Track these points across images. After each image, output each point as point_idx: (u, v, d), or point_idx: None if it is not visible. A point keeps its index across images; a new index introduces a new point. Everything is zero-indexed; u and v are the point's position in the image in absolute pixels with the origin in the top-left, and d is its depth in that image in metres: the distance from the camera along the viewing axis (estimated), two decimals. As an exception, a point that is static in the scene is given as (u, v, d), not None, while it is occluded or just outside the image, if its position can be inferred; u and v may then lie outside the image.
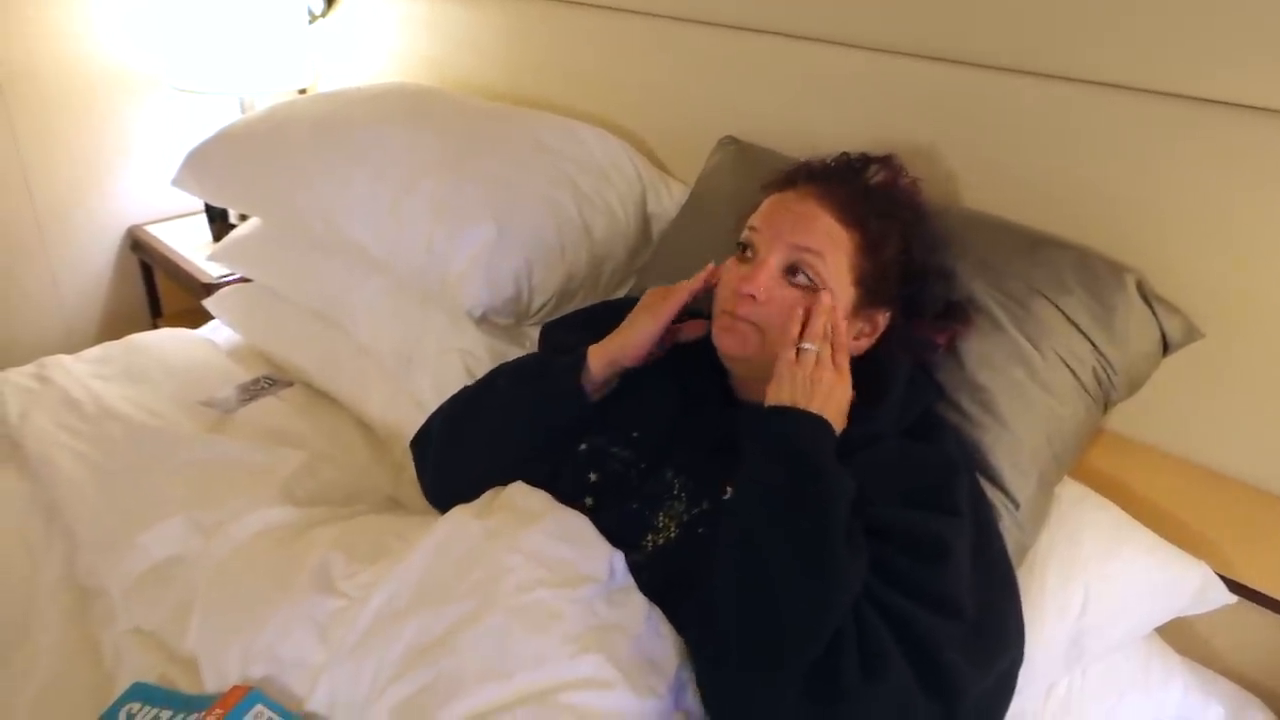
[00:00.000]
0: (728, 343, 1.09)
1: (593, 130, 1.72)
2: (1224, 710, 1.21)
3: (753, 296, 1.06)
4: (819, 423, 0.97)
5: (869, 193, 1.13)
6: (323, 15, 2.42)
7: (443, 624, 0.94)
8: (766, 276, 1.06)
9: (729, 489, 1.04)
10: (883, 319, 1.12)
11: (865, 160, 1.18)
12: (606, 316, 1.30)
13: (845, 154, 1.19)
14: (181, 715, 0.94)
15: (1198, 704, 1.21)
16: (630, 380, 1.22)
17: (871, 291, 1.09)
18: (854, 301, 1.08)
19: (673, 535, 1.05)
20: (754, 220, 1.12)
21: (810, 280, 1.06)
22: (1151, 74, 1.17)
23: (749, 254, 1.10)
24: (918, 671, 0.90)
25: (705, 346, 1.17)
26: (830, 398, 0.99)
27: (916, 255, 1.14)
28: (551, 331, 1.33)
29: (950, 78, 1.35)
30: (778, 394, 0.99)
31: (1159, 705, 1.19)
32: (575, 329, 1.30)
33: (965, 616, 0.94)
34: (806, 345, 1.01)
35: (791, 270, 1.07)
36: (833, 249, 1.06)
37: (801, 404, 0.97)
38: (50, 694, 1.05)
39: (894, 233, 1.10)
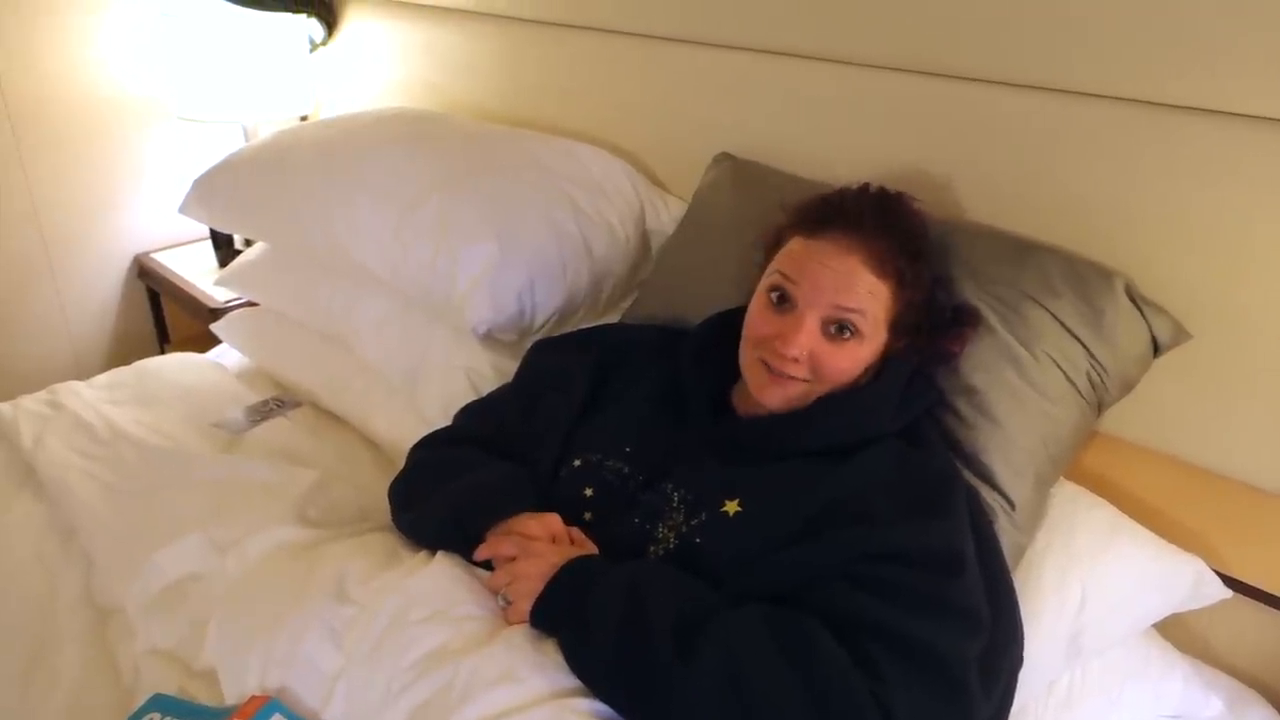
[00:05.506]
0: (775, 399, 1.10)
1: (590, 149, 1.74)
2: (1223, 703, 1.22)
3: (796, 360, 1.08)
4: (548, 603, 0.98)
5: (899, 237, 1.12)
6: (323, 43, 2.45)
7: (458, 633, 0.95)
8: (807, 338, 1.08)
9: (726, 501, 1.06)
10: (902, 342, 1.14)
11: (885, 196, 1.17)
12: (598, 340, 1.32)
13: (866, 186, 1.19)
14: (201, 725, 0.94)
15: (1198, 697, 1.22)
16: (621, 392, 1.23)
17: (901, 330, 1.12)
18: (885, 343, 1.11)
19: (671, 547, 1.05)
20: (789, 269, 1.10)
21: (851, 334, 1.08)
22: (1127, 82, 1.19)
23: (785, 304, 1.10)
24: (937, 690, 0.89)
25: (696, 356, 1.20)
26: (524, 584, 0.99)
27: (935, 283, 1.17)
28: (541, 352, 1.34)
29: (937, 91, 1.38)
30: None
31: (1159, 698, 1.20)
32: (569, 351, 1.31)
33: (986, 625, 0.95)
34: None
35: (831, 325, 1.08)
36: (873, 304, 1.08)
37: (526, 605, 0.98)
38: (72, 710, 1.06)
39: (923, 273, 1.13)
